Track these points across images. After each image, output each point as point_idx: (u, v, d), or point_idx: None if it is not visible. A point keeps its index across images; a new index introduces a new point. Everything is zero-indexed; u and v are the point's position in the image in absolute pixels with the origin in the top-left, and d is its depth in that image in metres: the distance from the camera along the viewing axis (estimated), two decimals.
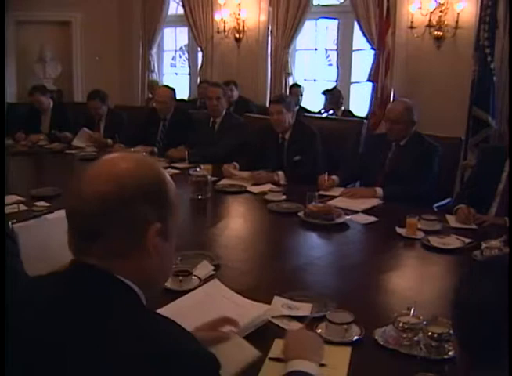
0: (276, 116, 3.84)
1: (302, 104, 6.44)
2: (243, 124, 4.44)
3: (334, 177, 3.46)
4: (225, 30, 7.10)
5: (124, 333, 0.93)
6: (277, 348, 1.51)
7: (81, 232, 1.03)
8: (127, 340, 0.92)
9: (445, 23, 5.47)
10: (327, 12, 6.92)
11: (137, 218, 1.02)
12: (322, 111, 6.12)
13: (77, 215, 1.02)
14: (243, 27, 7.04)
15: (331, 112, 6.03)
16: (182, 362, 0.91)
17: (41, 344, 0.94)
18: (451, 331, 1.53)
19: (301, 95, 6.46)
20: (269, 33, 6.90)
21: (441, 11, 5.45)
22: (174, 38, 8.67)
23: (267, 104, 5.94)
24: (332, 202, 3.10)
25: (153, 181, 1.06)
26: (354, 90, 6.72)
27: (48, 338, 0.94)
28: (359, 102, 6.52)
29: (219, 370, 0.98)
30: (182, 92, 7.83)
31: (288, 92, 6.65)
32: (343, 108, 6.15)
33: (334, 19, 6.90)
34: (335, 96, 6.07)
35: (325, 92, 6.18)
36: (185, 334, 0.99)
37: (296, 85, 6.63)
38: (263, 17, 6.93)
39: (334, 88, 6.33)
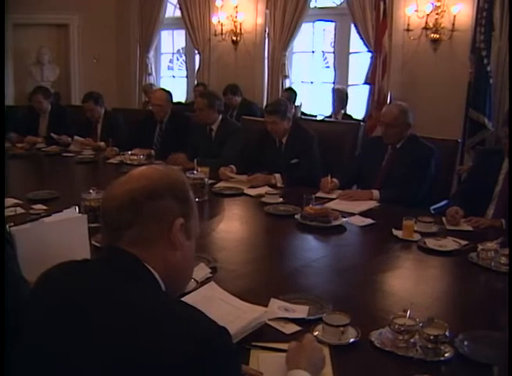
0: (270, 126, 3.88)
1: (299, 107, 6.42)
2: (240, 129, 4.42)
3: (335, 180, 3.47)
4: (222, 33, 7.11)
5: (141, 309, 1.00)
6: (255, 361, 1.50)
7: (114, 223, 1.13)
8: (145, 313, 0.99)
9: (442, 25, 5.49)
10: (324, 14, 6.93)
11: (163, 210, 1.13)
12: (331, 112, 6.01)
13: (110, 211, 1.13)
14: (240, 29, 7.05)
15: (343, 112, 5.95)
16: (197, 335, 0.96)
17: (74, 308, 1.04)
18: (447, 333, 1.54)
19: (289, 99, 6.30)
20: (266, 35, 6.90)
21: (437, 13, 5.47)
22: (171, 41, 8.69)
23: (264, 107, 5.93)
24: (329, 204, 3.10)
25: (178, 179, 1.20)
26: (351, 92, 6.70)
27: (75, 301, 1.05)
28: (356, 104, 6.51)
29: (231, 340, 1.04)
30: (180, 95, 7.84)
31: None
32: (343, 111, 6.09)
33: (331, 21, 6.92)
34: (343, 95, 6.01)
35: (334, 91, 6.07)
36: (203, 314, 1.03)
37: (288, 89, 6.59)
38: (260, 20, 6.94)
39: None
